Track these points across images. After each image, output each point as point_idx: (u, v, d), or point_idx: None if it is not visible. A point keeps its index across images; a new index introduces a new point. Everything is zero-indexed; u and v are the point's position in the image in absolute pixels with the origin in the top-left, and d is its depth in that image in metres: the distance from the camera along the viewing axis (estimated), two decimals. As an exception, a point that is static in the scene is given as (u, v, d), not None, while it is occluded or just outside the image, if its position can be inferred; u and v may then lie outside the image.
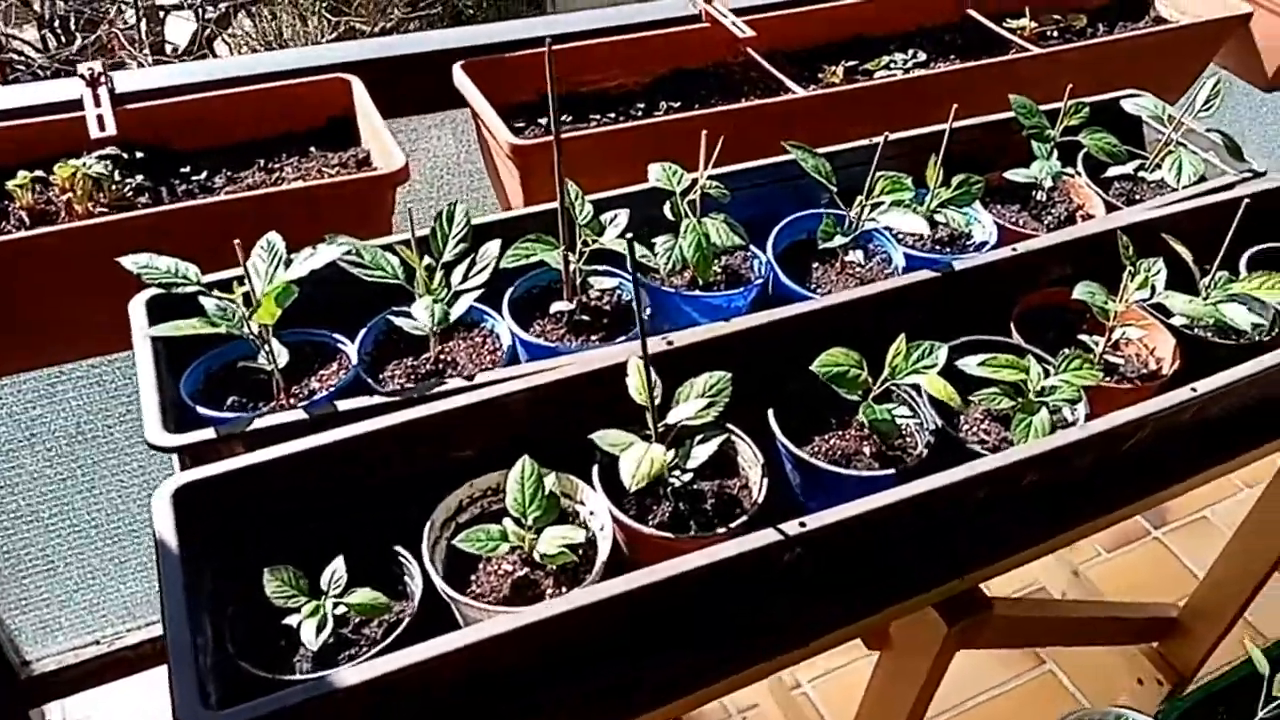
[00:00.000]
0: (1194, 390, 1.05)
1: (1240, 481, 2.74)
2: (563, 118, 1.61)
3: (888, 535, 1.04)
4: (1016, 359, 1.08)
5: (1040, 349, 1.22)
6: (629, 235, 0.93)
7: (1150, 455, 1.19)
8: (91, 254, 1.17)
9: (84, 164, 1.24)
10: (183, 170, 1.39)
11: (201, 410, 1.04)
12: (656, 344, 1.08)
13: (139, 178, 1.32)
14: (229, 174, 1.40)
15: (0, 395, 1.61)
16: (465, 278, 1.10)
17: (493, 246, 1.11)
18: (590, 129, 1.55)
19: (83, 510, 1.83)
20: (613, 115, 1.62)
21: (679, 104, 1.66)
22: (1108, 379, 1.19)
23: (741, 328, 1.10)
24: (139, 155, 1.36)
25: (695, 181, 1.25)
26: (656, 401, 0.99)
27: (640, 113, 1.64)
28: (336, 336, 1.15)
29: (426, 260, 1.10)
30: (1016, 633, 1.49)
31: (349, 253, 1.05)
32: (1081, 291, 1.14)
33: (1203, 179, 1.45)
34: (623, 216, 1.22)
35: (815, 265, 1.34)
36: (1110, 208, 1.44)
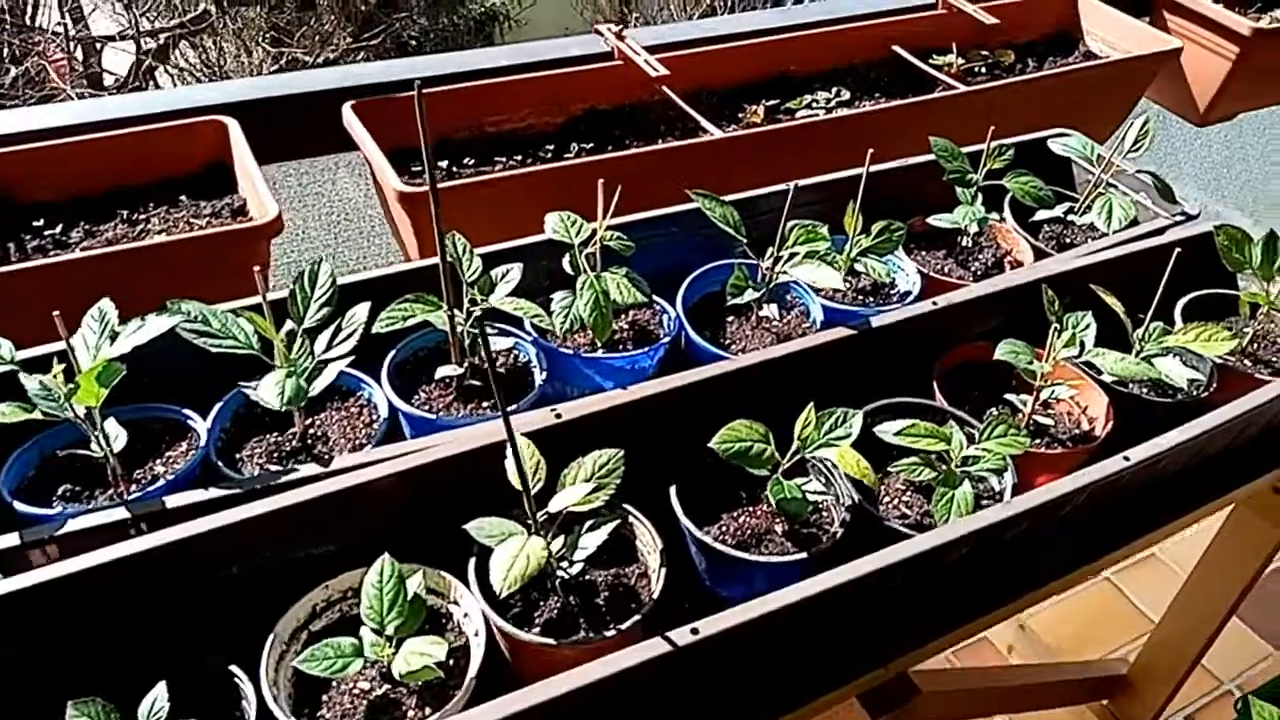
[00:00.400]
0: (1126, 460, 0.97)
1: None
2: (466, 161, 1.50)
3: (799, 626, 0.93)
4: (936, 427, 0.99)
5: (966, 408, 1.14)
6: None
7: (1089, 520, 1.11)
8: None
9: (-91, 220, 1.11)
10: (35, 223, 1.26)
11: (20, 507, 0.90)
12: (543, 417, 0.97)
13: (-23, 234, 1.19)
14: (87, 227, 1.27)
15: None
16: (330, 345, 0.99)
17: (361, 310, 1.00)
18: (492, 173, 1.45)
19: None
20: (519, 158, 1.52)
21: (592, 145, 1.57)
22: (1037, 442, 1.11)
23: (637, 396, 1.00)
24: (-17, 208, 1.23)
25: (595, 234, 1.15)
26: (540, 484, 0.88)
27: (550, 154, 1.54)
28: (186, 412, 1.03)
29: (288, 326, 0.99)
30: (951, 710, 1.40)
31: (193, 320, 0.93)
32: (1004, 352, 1.06)
33: (1135, 222, 1.39)
34: (515, 272, 1.12)
35: (730, 319, 1.25)
36: (1039, 253, 1.37)
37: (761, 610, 0.81)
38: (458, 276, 1.09)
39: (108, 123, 1.34)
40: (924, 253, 1.40)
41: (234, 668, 0.83)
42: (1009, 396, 1.13)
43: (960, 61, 1.82)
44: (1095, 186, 1.40)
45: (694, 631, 0.79)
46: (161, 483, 0.95)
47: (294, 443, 1.04)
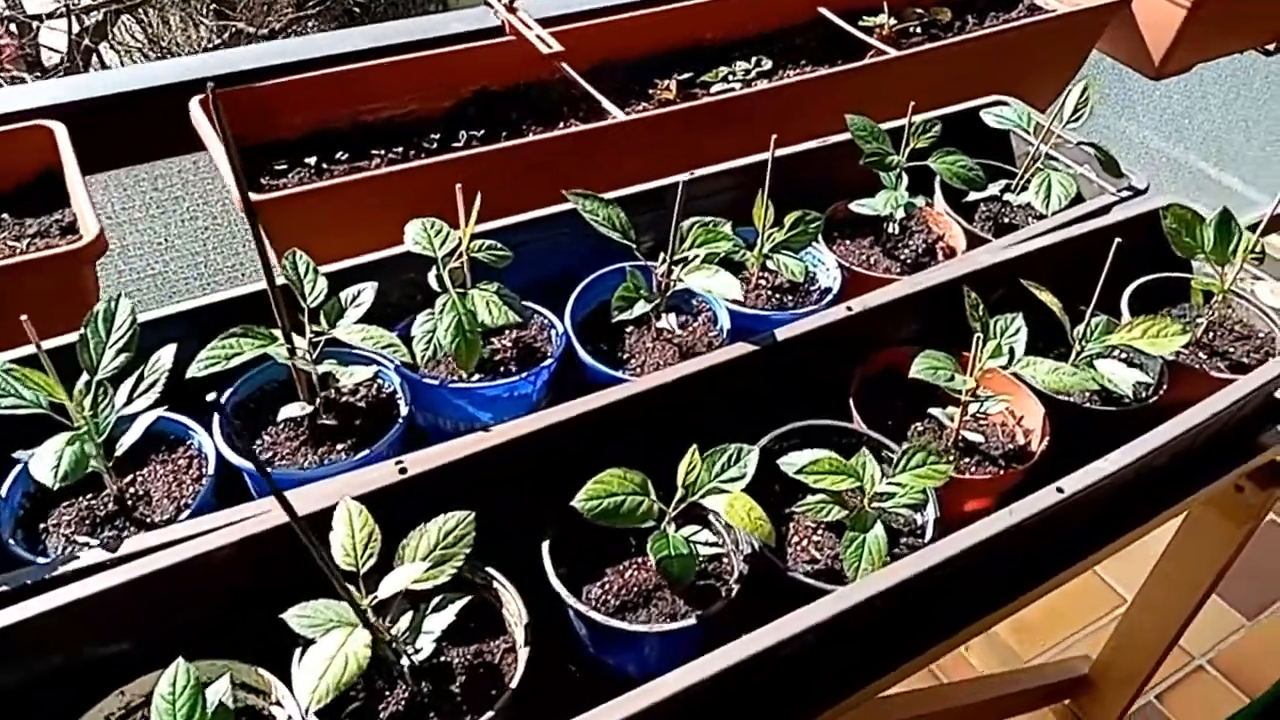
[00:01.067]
0: (1060, 491, 0.84)
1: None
2: (339, 155, 1.35)
3: (687, 710, 0.81)
4: (843, 462, 0.86)
5: (890, 424, 1.01)
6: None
7: (1024, 550, 0.99)
8: None
9: None
10: None
11: None
12: (386, 473, 0.83)
13: None
14: (-115, 255, 1.11)
15: None
16: (130, 397, 0.84)
17: (166, 354, 0.85)
18: (356, 173, 1.29)
19: None
20: (400, 149, 1.37)
21: (483, 132, 1.42)
22: (967, 461, 0.99)
23: (499, 440, 0.86)
24: None
25: (459, 244, 1.00)
26: (371, 561, 0.75)
27: (435, 144, 1.39)
28: (-23, 479, 0.88)
29: (84, 378, 0.84)
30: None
31: (-41, 379, 0.78)
32: (921, 369, 0.93)
33: (1078, 199, 1.25)
34: (368, 293, 0.97)
35: (630, 329, 1.11)
36: (973, 238, 1.24)
37: (646, 701, 0.68)
38: (299, 302, 0.94)
39: (-89, 131, 1.17)
40: (848, 242, 1.26)
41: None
42: (934, 411, 1.00)
43: (892, 22, 1.67)
44: (1033, 161, 1.27)
45: (548, 740, 0.66)
46: (-59, 568, 0.80)
47: (109, 506, 0.90)
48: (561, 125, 1.42)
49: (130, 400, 0.83)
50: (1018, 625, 2.09)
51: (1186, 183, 3.08)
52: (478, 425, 1.03)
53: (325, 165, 1.33)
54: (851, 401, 1.00)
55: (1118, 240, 0.97)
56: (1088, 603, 2.32)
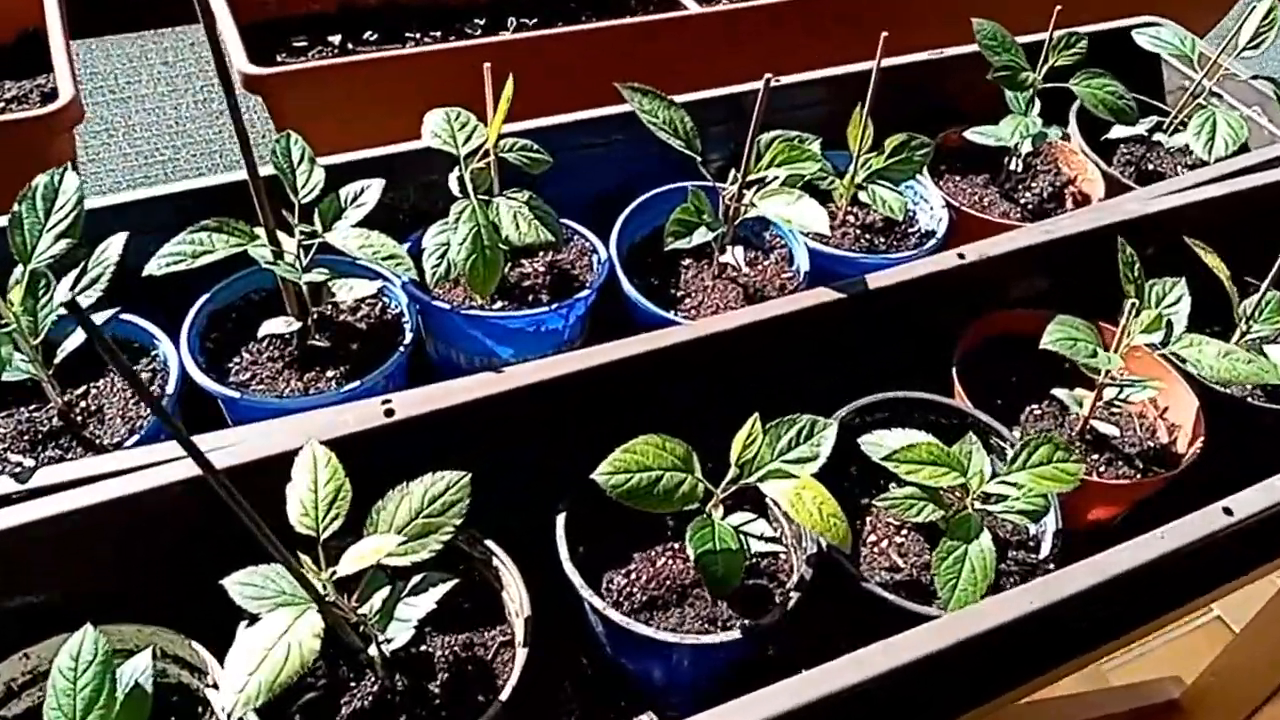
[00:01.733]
0: (1228, 513, 0.65)
1: None
2: (367, 34, 1.16)
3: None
4: (945, 450, 0.67)
5: (999, 404, 0.82)
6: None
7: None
8: None
9: None
10: None
11: None
12: (370, 414, 0.67)
13: None
14: None
15: None
16: (76, 288, 0.68)
17: (115, 243, 0.69)
18: (376, 52, 1.10)
19: None
20: (438, 33, 1.18)
21: (535, 20, 1.22)
22: (1095, 458, 0.79)
23: (513, 385, 0.69)
24: None
25: (485, 142, 0.82)
26: (338, 521, 0.59)
27: (479, 31, 1.20)
28: (-104, 378, 0.74)
29: (19, 269, 0.68)
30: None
31: None
32: (1056, 340, 0.73)
33: (1244, 148, 1.02)
34: (373, 192, 0.80)
35: (687, 263, 0.93)
36: (1113, 184, 1.02)
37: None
38: (290, 198, 0.78)
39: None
40: (956, 178, 1.05)
41: None
42: (1059, 393, 0.81)
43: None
44: (1194, 96, 1.04)
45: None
46: None
47: (54, 421, 0.75)
48: (624, 17, 1.22)
49: (77, 290, 0.67)
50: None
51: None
52: (495, 362, 0.87)
53: (351, 46, 1.15)
54: (954, 372, 0.81)
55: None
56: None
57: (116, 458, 0.65)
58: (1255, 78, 1.07)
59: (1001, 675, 0.73)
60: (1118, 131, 1.04)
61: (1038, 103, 1.00)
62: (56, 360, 0.71)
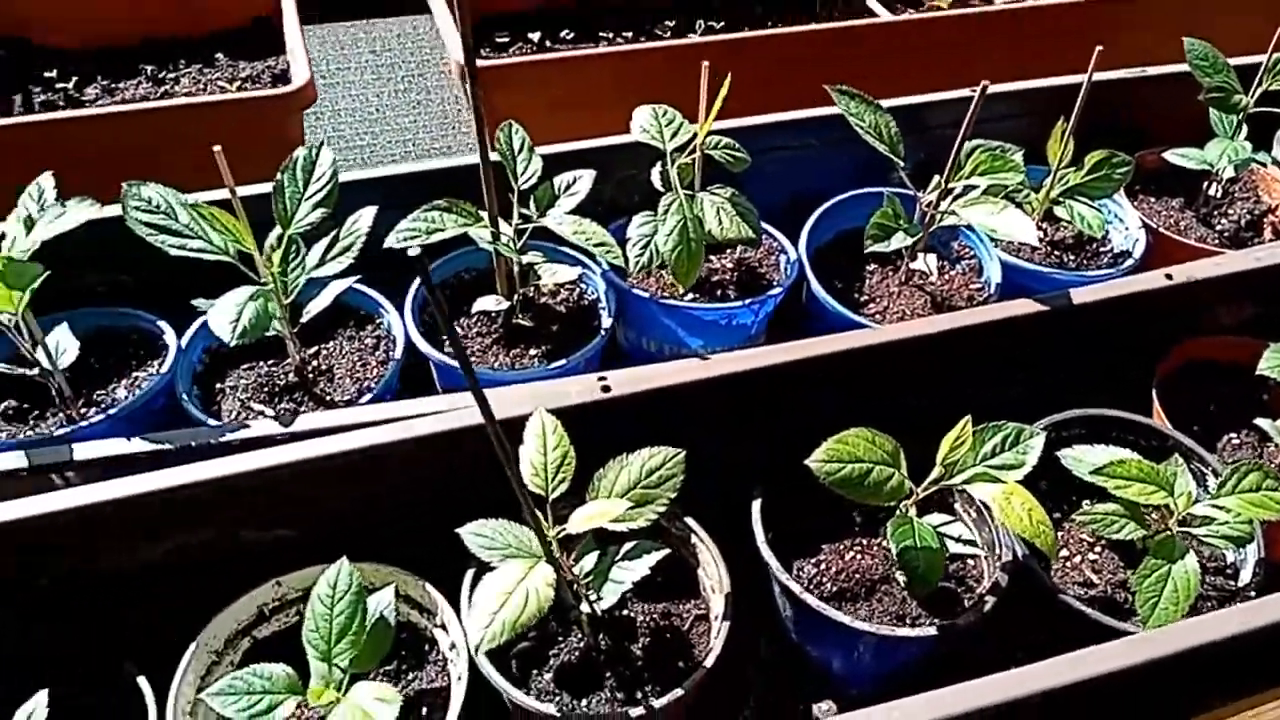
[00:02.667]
0: None
1: None
2: (565, 32, 1.22)
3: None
4: (1153, 468, 0.67)
5: (1196, 430, 0.81)
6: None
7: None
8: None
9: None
10: (47, 74, 1.07)
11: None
12: (588, 388, 0.71)
13: (-26, 81, 1.01)
14: (106, 82, 1.07)
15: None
16: (324, 259, 0.75)
17: (365, 215, 0.76)
18: (577, 49, 1.16)
19: None
20: (630, 34, 1.23)
21: (724, 24, 1.25)
22: (1298, 492, 0.77)
23: (718, 373, 0.72)
24: (-7, 51, 1.04)
25: (694, 138, 0.85)
26: (564, 486, 0.63)
27: (669, 31, 1.24)
28: (161, 325, 0.82)
29: (276, 231, 0.75)
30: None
31: (154, 209, 0.71)
32: (1271, 365, 0.72)
33: None
34: (585, 181, 0.84)
35: (872, 267, 0.94)
36: (1320, 214, 0.99)
37: (857, 734, 0.54)
38: (509, 183, 0.83)
39: (143, -42, 1.12)
40: (1151, 200, 1.03)
41: (142, 680, 0.63)
42: (1262, 422, 0.79)
43: (1226, -56, 1.37)
44: None
45: (749, 755, 0.53)
46: (117, 411, 0.75)
47: (289, 376, 0.82)
48: (812, 23, 1.24)
49: (323, 262, 0.74)
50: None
51: None
52: (684, 351, 0.90)
53: (550, 43, 1.20)
54: (1155, 394, 0.80)
55: None
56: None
57: (363, 411, 0.71)
58: None
59: (1193, 701, 0.72)
60: (1327, 159, 1.01)
61: (1244, 127, 0.98)
62: (303, 320, 0.77)
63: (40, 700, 0.60)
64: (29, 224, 0.66)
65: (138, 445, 0.66)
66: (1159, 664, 0.57)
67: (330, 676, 0.60)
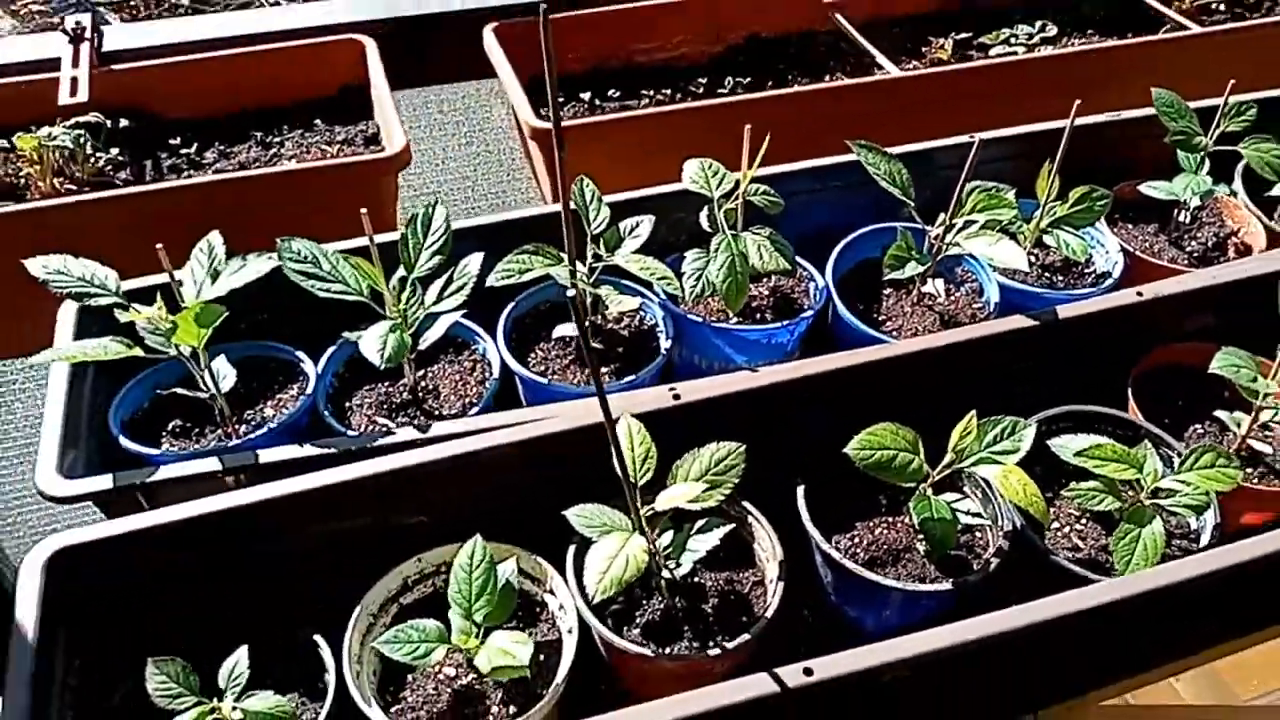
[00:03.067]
0: (1375, 516, 0.78)
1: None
2: (611, 93, 1.39)
3: (942, 673, 0.81)
4: (1126, 450, 0.82)
5: (1165, 422, 0.96)
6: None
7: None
8: (58, 236, 1.03)
9: (50, 134, 1.10)
10: (171, 142, 1.25)
11: (126, 444, 0.89)
12: (660, 396, 0.87)
13: (115, 151, 1.18)
14: (222, 148, 1.25)
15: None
16: (441, 296, 0.91)
17: (474, 260, 0.92)
18: (632, 109, 1.33)
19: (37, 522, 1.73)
20: (668, 91, 1.40)
21: (749, 80, 1.42)
22: (1249, 472, 0.92)
23: (767, 382, 0.88)
24: (125, 123, 1.22)
25: (738, 186, 1.02)
26: (648, 474, 0.79)
27: (702, 89, 1.41)
28: (299, 354, 0.99)
29: (400, 274, 0.92)
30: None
31: (301, 260, 0.88)
32: (1223, 365, 0.87)
33: (1407, 204, 1.13)
34: (646, 225, 1.01)
35: (888, 292, 1.10)
36: (1275, 238, 1.14)
37: (891, 656, 0.69)
38: (582, 227, 0.99)
39: (246, 38, 1.30)
40: (1130, 226, 1.19)
41: (318, 638, 0.79)
42: (1220, 414, 0.94)
43: (1196, -6, 1.54)
44: (1359, 158, 1.15)
45: (807, 672, 0.68)
46: (268, 428, 0.91)
47: (404, 395, 0.99)
48: (828, 79, 1.41)
49: (440, 299, 0.90)
50: (1236, 661, 1.94)
51: None
52: (731, 367, 1.06)
53: (599, 101, 1.37)
54: (1130, 393, 0.95)
55: None
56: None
57: (473, 421, 0.88)
58: None
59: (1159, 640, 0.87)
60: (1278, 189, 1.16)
61: (1207, 162, 1.13)
62: (420, 348, 0.94)
63: (241, 655, 0.76)
64: (214, 274, 0.83)
65: (309, 450, 0.82)
66: (1128, 601, 0.72)
67: (470, 629, 0.76)
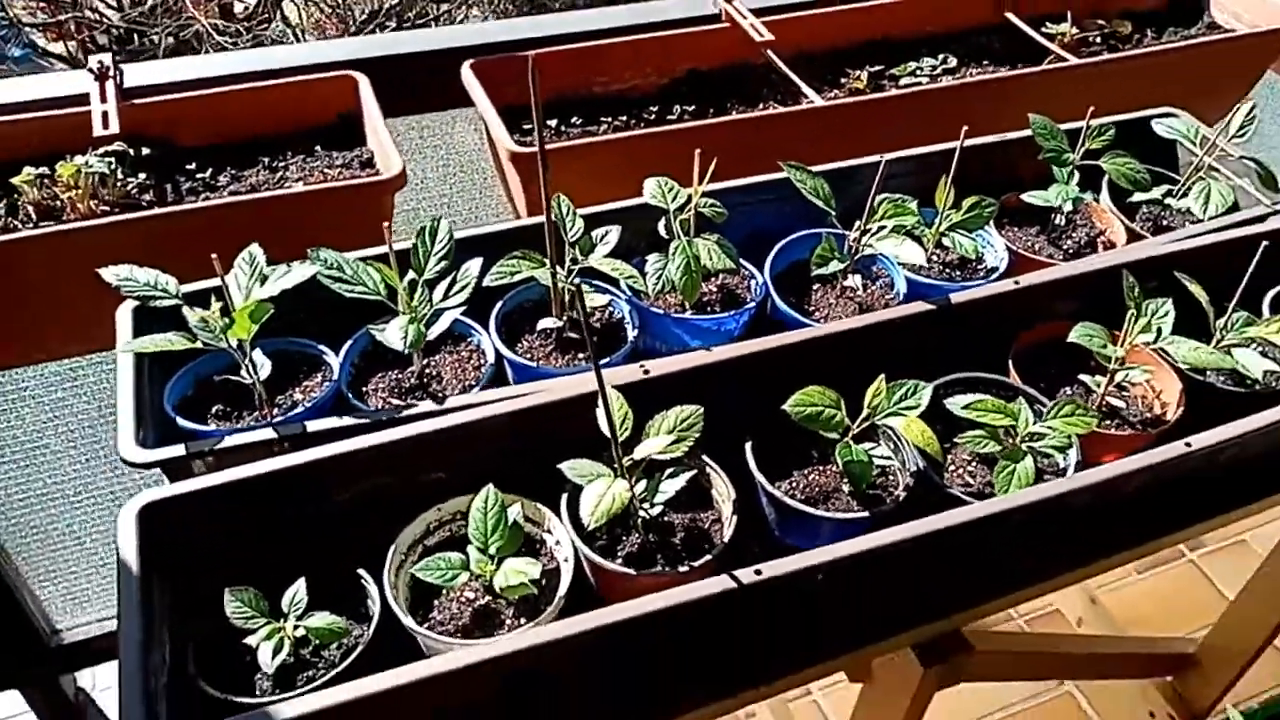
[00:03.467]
0: (1188, 445, 1.01)
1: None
2: (574, 120, 1.59)
3: (857, 576, 1.01)
4: (1004, 404, 1.04)
5: (1041, 386, 1.18)
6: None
7: (1153, 503, 1.15)
8: (95, 252, 1.19)
9: (87, 162, 1.26)
10: (188, 167, 1.40)
11: (183, 422, 1.05)
12: (633, 372, 1.07)
13: (143, 175, 1.34)
14: (234, 172, 1.41)
15: (24, 381, 1.66)
16: (446, 295, 1.09)
17: (474, 265, 1.10)
18: (595, 136, 1.52)
19: (106, 488, 1.88)
20: (623, 118, 1.60)
21: (693, 108, 1.63)
22: (1107, 423, 1.15)
23: (719, 358, 1.08)
24: (146, 151, 1.37)
25: (690, 200, 1.22)
26: (626, 433, 0.98)
27: (653, 115, 1.61)
28: (321, 347, 1.16)
29: (410, 276, 1.10)
30: (1005, 670, 1.46)
31: (329, 267, 1.05)
32: (1079, 335, 1.10)
33: (1235, 207, 1.38)
34: (614, 234, 1.20)
35: (816, 287, 1.31)
36: (1133, 235, 1.38)
37: (821, 559, 0.89)
38: (561, 236, 1.18)
39: (252, 74, 1.46)
40: (1016, 229, 1.42)
41: (361, 571, 0.96)
42: (1083, 377, 1.17)
43: (1074, 31, 1.79)
44: (1196, 170, 1.40)
45: (758, 572, 0.88)
46: (300, 409, 1.08)
47: (413, 380, 1.16)
48: (761, 106, 1.62)
49: (446, 297, 1.09)
50: (1131, 615, 2.20)
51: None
52: (689, 349, 1.26)
53: (563, 128, 1.57)
54: (1010, 363, 1.17)
55: (1264, 244, 1.11)
56: (1199, 608, 2.40)
57: (479, 397, 1.06)
58: (1242, 158, 1.42)
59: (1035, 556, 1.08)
60: (1138, 196, 1.40)
61: (1076, 174, 1.37)
62: (427, 339, 1.11)
63: (300, 585, 0.93)
64: (262, 279, 1.00)
65: (347, 421, 1.00)
66: (1001, 514, 0.94)
67: (486, 559, 0.94)
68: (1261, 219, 1.35)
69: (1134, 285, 1.11)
